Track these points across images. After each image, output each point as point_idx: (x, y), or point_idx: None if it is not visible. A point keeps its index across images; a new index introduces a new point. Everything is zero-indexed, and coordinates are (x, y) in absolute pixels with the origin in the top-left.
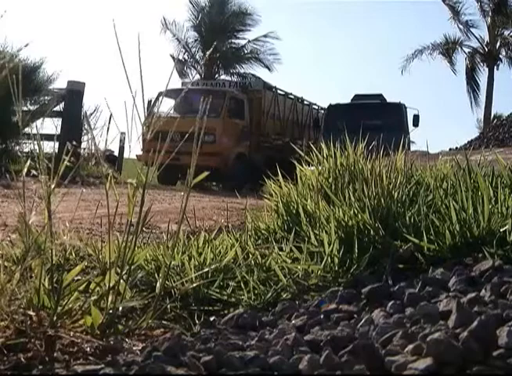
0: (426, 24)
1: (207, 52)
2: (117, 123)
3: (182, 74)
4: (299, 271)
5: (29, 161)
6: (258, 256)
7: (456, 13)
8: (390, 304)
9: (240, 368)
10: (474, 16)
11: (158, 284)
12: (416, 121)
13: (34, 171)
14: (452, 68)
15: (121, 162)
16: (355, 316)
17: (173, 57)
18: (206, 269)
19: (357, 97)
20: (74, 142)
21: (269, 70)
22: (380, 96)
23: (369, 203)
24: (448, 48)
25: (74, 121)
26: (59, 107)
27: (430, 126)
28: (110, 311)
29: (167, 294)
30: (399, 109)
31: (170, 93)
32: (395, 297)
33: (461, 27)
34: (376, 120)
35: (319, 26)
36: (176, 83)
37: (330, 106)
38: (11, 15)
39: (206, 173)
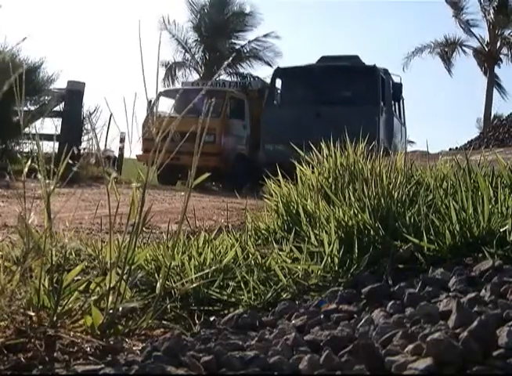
0: (427, 24)
1: (207, 54)
2: (117, 123)
3: (173, 79)
4: (299, 271)
5: (29, 161)
6: (258, 256)
7: (458, 10)
8: (390, 304)
9: (240, 368)
10: (474, 16)
11: (158, 284)
12: (397, 92)
13: (38, 175)
14: (449, 69)
15: (121, 162)
16: (355, 316)
17: (163, 64)
18: (206, 269)
19: (324, 60)
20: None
21: (270, 66)
22: (353, 58)
23: (369, 203)
24: (447, 50)
25: (74, 121)
26: (59, 107)
27: (430, 126)
28: (110, 311)
29: (167, 294)
30: (374, 75)
31: (170, 93)
32: (395, 297)
33: (462, 25)
34: (342, 90)
35: (319, 26)
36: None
37: (278, 70)
38: (11, 15)
39: (207, 174)
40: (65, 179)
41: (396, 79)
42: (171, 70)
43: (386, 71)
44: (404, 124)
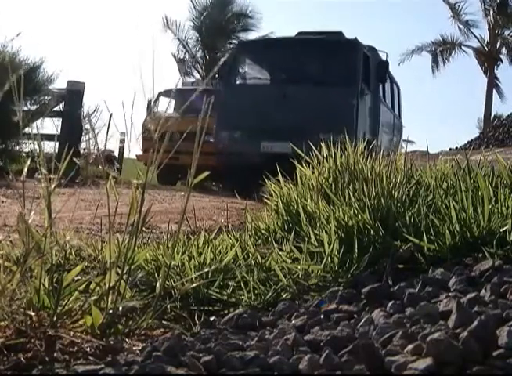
0: (427, 24)
1: (207, 53)
2: (116, 123)
3: (186, 74)
4: (299, 271)
5: (28, 161)
6: (258, 256)
7: (456, 13)
8: (390, 304)
9: (240, 368)
10: (474, 16)
11: (158, 284)
12: (381, 71)
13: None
14: (437, 68)
15: (121, 162)
16: (355, 316)
17: (174, 56)
18: (206, 269)
19: (300, 35)
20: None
21: None
22: (336, 34)
23: (369, 203)
24: (441, 49)
25: (74, 121)
26: (59, 107)
27: (430, 126)
28: (110, 311)
29: (167, 294)
30: (355, 50)
31: (169, 93)
32: (395, 297)
33: (461, 26)
34: (315, 67)
35: (319, 26)
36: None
37: (241, 43)
38: (11, 14)
39: (206, 173)
40: (65, 179)
41: (380, 58)
42: (184, 64)
43: (372, 48)
44: (399, 117)
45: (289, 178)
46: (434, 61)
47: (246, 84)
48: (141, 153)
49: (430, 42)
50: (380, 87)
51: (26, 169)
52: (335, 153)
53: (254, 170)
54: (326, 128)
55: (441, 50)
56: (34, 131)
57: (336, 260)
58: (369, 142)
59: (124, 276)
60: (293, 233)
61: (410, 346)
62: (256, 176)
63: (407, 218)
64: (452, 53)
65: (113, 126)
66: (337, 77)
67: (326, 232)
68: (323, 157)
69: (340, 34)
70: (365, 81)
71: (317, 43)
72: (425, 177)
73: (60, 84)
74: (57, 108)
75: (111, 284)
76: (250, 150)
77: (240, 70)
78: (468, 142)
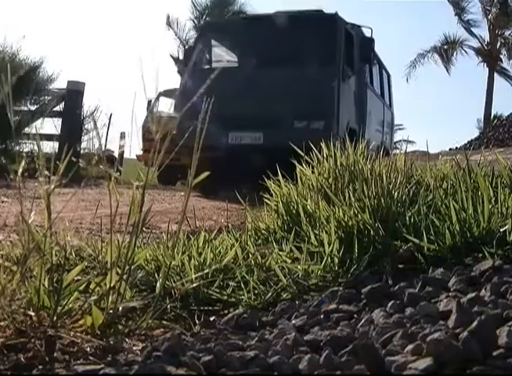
0: (428, 25)
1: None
2: (116, 123)
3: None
4: (299, 271)
5: (26, 161)
6: (258, 256)
7: (460, 9)
8: (390, 304)
9: (240, 368)
10: (475, 16)
11: (158, 284)
12: (366, 49)
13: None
14: (448, 68)
15: (121, 162)
16: (355, 316)
17: (172, 57)
18: (206, 269)
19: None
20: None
21: None
22: (314, 12)
23: (369, 203)
24: (446, 47)
25: (74, 121)
26: (59, 107)
27: (430, 126)
28: (110, 311)
29: (167, 294)
30: (334, 27)
31: (169, 93)
32: (395, 297)
33: (463, 25)
34: (289, 47)
35: None
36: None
37: (206, 24)
38: (11, 14)
39: (206, 173)
40: (65, 179)
41: (364, 35)
42: (181, 65)
43: (355, 25)
44: (389, 107)
45: (263, 175)
46: (445, 60)
47: (212, 68)
48: (141, 153)
49: (431, 48)
50: (367, 69)
51: (21, 169)
52: (335, 153)
53: (223, 165)
54: (302, 115)
55: (446, 49)
56: (34, 131)
57: (336, 260)
58: (354, 130)
59: (124, 276)
60: (293, 233)
61: (410, 346)
62: (226, 173)
63: (407, 218)
64: (455, 53)
65: (113, 126)
66: (315, 57)
67: (326, 232)
68: (323, 157)
69: (319, 11)
70: (348, 62)
71: (291, 20)
72: (425, 177)
73: (60, 84)
74: (57, 108)
75: (111, 284)
76: (216, 142)
77: (207, 53)
78: (468, 142)
